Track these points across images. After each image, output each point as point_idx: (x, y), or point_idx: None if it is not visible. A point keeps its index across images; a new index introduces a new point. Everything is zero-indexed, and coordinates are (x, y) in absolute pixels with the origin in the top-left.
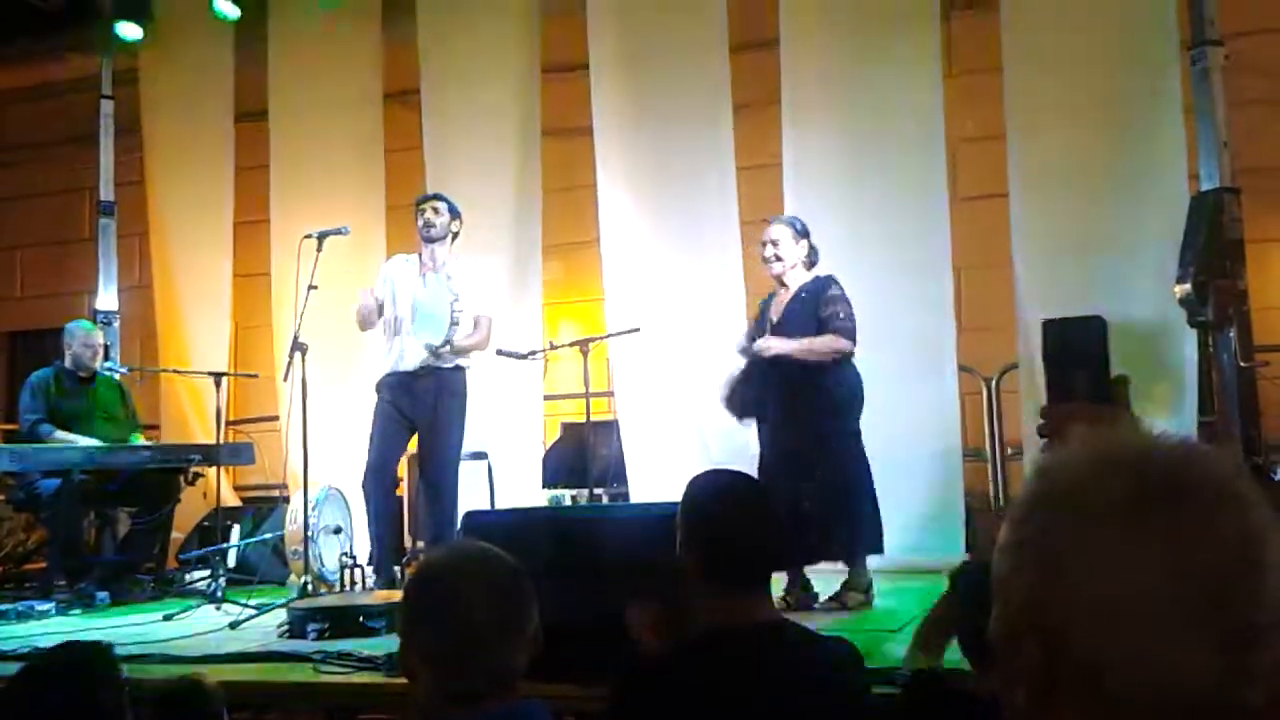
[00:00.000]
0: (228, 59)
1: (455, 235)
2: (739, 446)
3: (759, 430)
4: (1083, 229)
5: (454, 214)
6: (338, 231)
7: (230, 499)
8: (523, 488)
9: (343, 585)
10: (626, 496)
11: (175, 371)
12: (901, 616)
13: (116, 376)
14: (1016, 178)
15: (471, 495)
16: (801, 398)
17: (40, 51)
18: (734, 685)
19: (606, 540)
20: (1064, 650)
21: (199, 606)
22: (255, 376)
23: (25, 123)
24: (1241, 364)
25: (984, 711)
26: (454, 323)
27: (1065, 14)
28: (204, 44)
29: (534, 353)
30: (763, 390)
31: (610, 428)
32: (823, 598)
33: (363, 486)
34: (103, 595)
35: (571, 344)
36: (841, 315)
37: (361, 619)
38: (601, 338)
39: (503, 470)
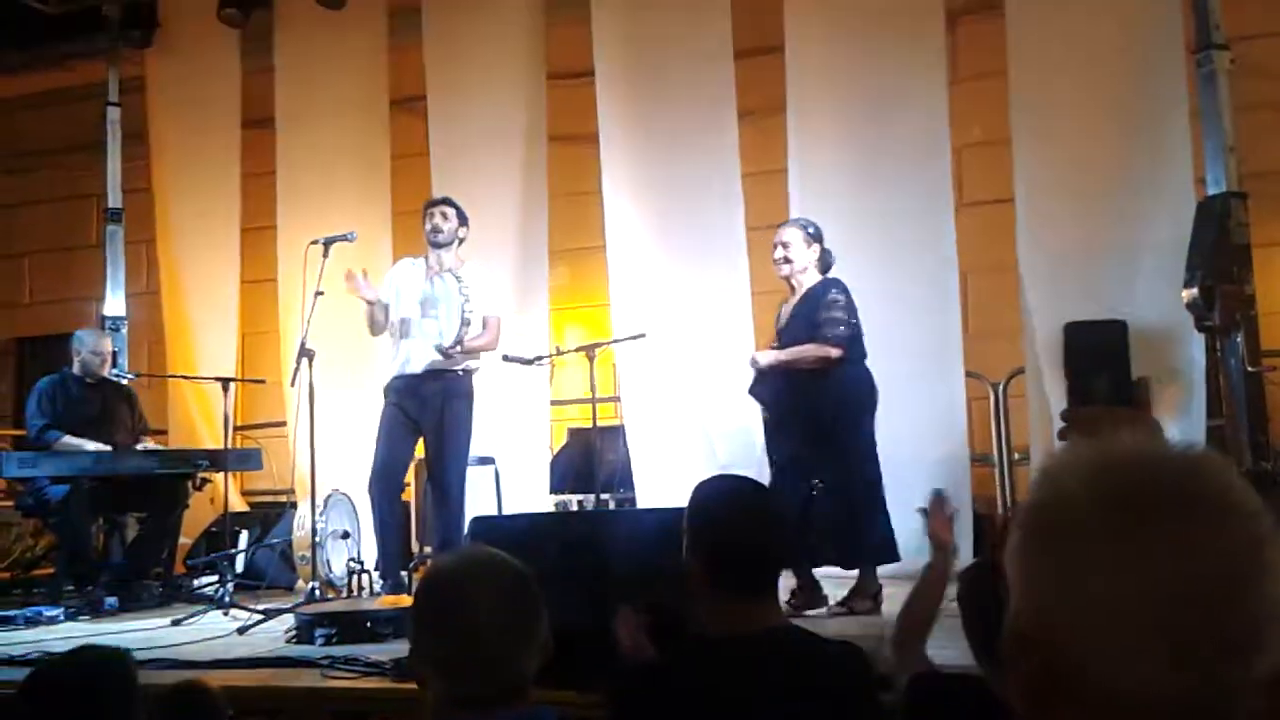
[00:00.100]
0: (234, 65)
1: (461, 241)
2: (745, 451)
3: (767, 434)
4: (1089, 234)
5: (462, 219)
6: (344, 238)
7: (238, 504)
8: (530, 493)
9: (350, 590)
10: (633, 502)
11: (183, 377)
12: None
13: (124, 382)
14: (1022, 183)
15: (479, 501)
16: (804, 401)
17: (48, 59)
18: (740, 690)
19: (613, 546)
20: (1054, 656)
21: (207, 612)
22: (263, 382)
23: (33, 129)
24: (1249, 369)
25: (992, 713)
26: (465, 323)
27: (1070, 19)
28: (211, 51)
29: (540, 358)
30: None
31: (617, 433)
32: (831, 602)
33: (369, 491)
34: (111, 600)
35: (578, 349)
36: (832, 322)
37: (369, 624)
38: (608, 343)
39: (510, 476)
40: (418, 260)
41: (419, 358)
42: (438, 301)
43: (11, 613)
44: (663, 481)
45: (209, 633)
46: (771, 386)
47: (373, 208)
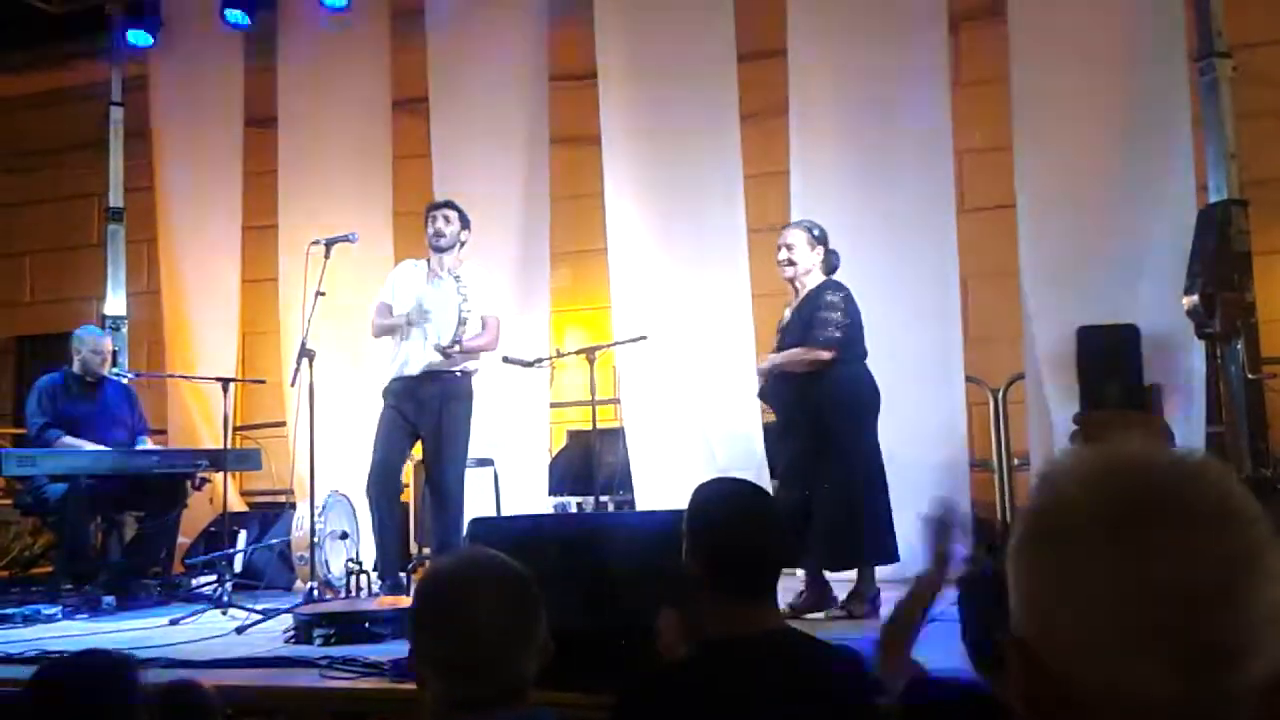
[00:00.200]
0: (237, 65)
1: (463, 244)
2: (745, 454)
3: (774, 437)
4: (1090, 240)
5: (464, 223)
6: (345, 238)
7: (237, 504)
8: (529, 495)
9: (349, 591)
10: (632, 504)
11: (183, 377)
12: None
13: (124, 381)
14: (1024, 189)
15: (478, 502)
16: (805, 404)
17: (50, 58)
18: (739, 693)
19: (612, 548)
20: (1052, 659)
21: (205, 611)
22: (263, 382)
23: (35, 129)
24: (1249, 376)
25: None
26: (461, 322)
27: (1072, 24)
28: (214, 50)
29: (540, 360)
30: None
31: (616, 435)
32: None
33: (366, 492)
34: (109, 599)
35: (578, 352)
36: (823, 324)
37: (367, 624)
38: (608, 345)
39: (509, 477)
40: (419, 263)
41: (417, 360)
42: (438, 302)
43: (10, 611)
44: (662, 484)
45: (207, 632)
46: (775, 390)
47: (374, 208)
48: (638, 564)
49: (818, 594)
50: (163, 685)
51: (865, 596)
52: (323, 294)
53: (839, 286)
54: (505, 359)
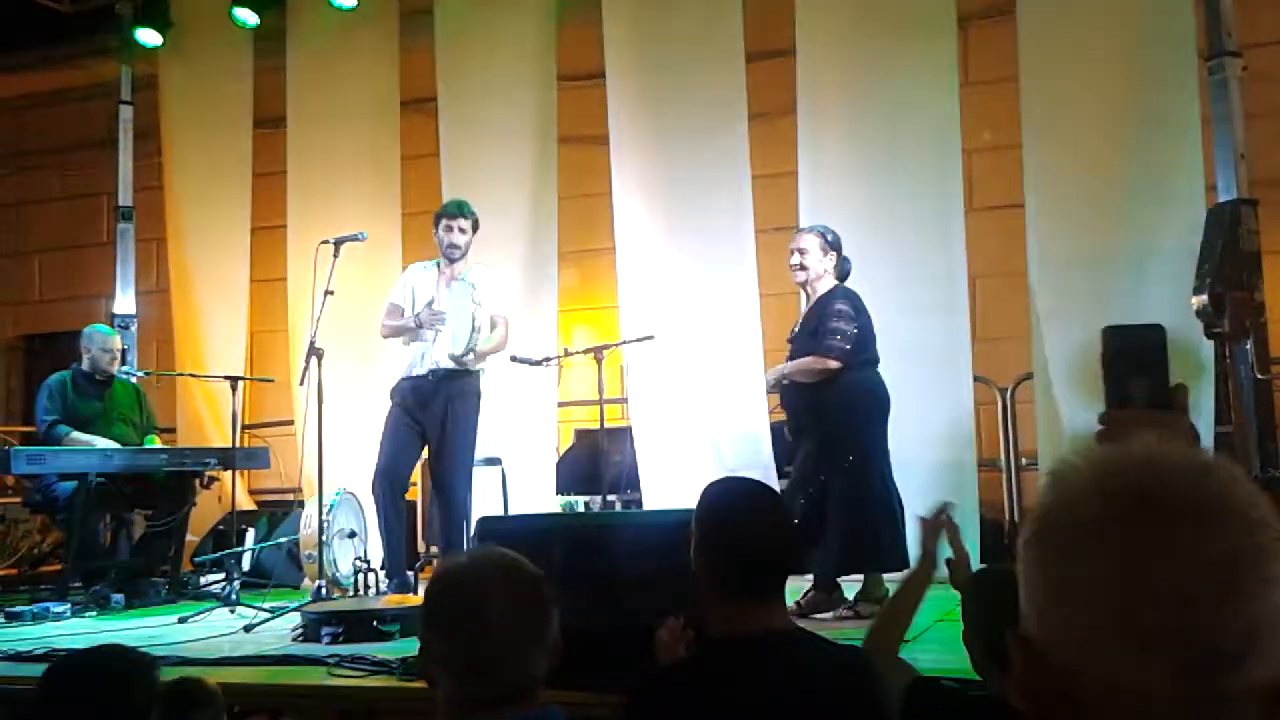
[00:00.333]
0: (247, 65)
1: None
2: (753, 453)
3: (789, 441)
4: (1099, 239)
5: (475, 227)
6: (354, 238)
7: (245, 503)
8: (536, 494)
9: (357, 589)
10: (640, 503)
11: (192, 376)
12: (916, 626)
13: (133, 380)
14: (1032, 188)
15: (485, 501)
16: (815, 409)
17: (60, 57)
18: (745, 693)
19: (620, 547)
20: (1055, 658)
21: (213, 609)
22: (271, 381)
23: (44, 128)
24: (1259, 376)
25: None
26: (475, 329)
27: (1082, 24)
28: (223, 50)
29: (548, 359)
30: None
31: (624, 434)
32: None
33: (372, 491)
34: (118, 597)
35: (586, 351)
36: (830, 333)
37: (375, 623)
38: (616, 345)
39: (516, 476)
40: (430, 265)
41: (426, 361)
42: (452, 307)
43: (19, 609)
44: (669, 483)
45: (215, 630)
46: (785, 396)
47: (383, 208)
48: (647, 563)
49: (826, 594)
50: (169, 682)
51: (873, 597)
52: (331, 293)
53: (849, 293)
54: (513, 358)
